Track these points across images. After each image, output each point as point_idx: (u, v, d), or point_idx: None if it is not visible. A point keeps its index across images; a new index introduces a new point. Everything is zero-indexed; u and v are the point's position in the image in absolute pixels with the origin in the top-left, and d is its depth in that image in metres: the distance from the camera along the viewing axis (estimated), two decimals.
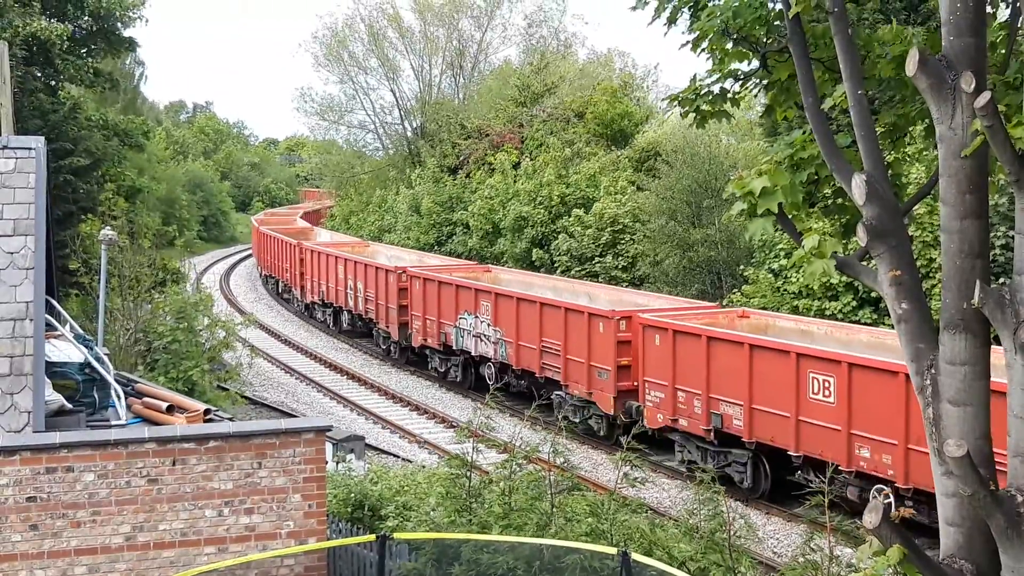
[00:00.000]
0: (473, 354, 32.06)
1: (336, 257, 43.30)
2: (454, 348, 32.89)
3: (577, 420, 26.32)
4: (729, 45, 7.81)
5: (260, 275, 62.84)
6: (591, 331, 26.32)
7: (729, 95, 8.15)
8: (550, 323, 28.19)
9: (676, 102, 8.33)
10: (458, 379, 33.44)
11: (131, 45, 41.36)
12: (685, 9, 7.86)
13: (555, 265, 44.80)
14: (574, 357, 26.95)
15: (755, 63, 7.97)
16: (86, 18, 37.75)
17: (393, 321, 37.17)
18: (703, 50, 7.86)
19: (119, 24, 38.30)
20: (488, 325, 30.90)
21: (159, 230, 42.00)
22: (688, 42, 7.89)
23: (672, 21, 7.97)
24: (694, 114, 8.27)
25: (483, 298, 31.28)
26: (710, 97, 8.17)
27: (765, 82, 8.03)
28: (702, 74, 8.20)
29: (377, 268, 38.88)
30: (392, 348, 38.08)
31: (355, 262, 41.16)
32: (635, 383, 24.94)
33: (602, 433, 26.43)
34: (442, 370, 34.21)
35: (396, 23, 70.61)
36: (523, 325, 29.46)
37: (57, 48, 33.80)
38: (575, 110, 55.47)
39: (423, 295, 34.46)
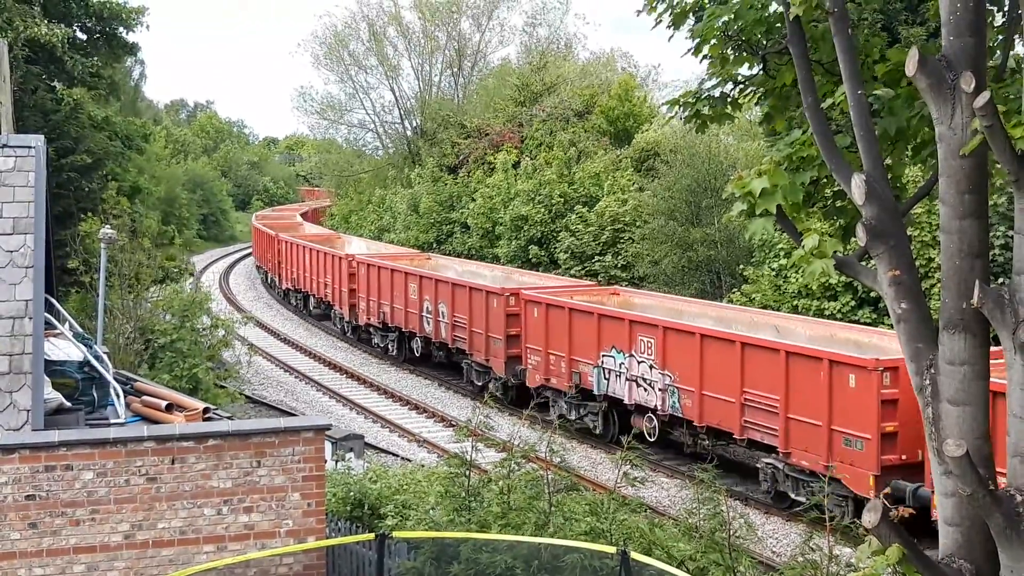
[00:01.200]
0: (626, 401, 25.40)
1: (406, 273, 36.25)
2: (594, 392, 26.45)
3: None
4: (730, 50, 7.80)
5: (277, 287, 55.68)
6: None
7: (730, 99, 8.15)
8: (757, 369, 21.46)
9: (677, 106, 8.33)
10: (597, 430, 26.73)
11: (132, 49, 41.36)
12: (691, 14, 7.85)
13: (555, 264, 44.82)
14: (801, 417, 20.55)
15: (756, 67, 7.97)
16: (89, 20, 37.73)
17: (498, 354, 30.20)
18: (705, 56, 7.86)
19: (121, 28, 38.28)
20: (652, 367, 24.34)
21: (159, 230, 41.90)
22: (690, 50, 7.90)
23: (676, 26, 7.96)
24: (695, 119, 8.28)
25: (642, 332, 24.75)
26: (711, 101, 8.17)
27: (763, 89, 8.03)
28: (702, 76, 8.21)
29: (472, 288, 31.84)
30: (493, 384, 30.52)
31: (436, 280, 34.31)
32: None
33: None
34: (574, 417, 27.04)
35: (397, 21, 70.63)
36: (711, 370, 22.65)
37: (60, 50, 33.80)
38: (577, 109, 55.47)
39: (545, 325, 28.11)
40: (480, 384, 31.83)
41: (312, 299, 47.39)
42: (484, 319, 31.22)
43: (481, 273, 37.78)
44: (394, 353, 37.90)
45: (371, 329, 39.59)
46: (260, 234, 60.29)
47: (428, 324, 34.77)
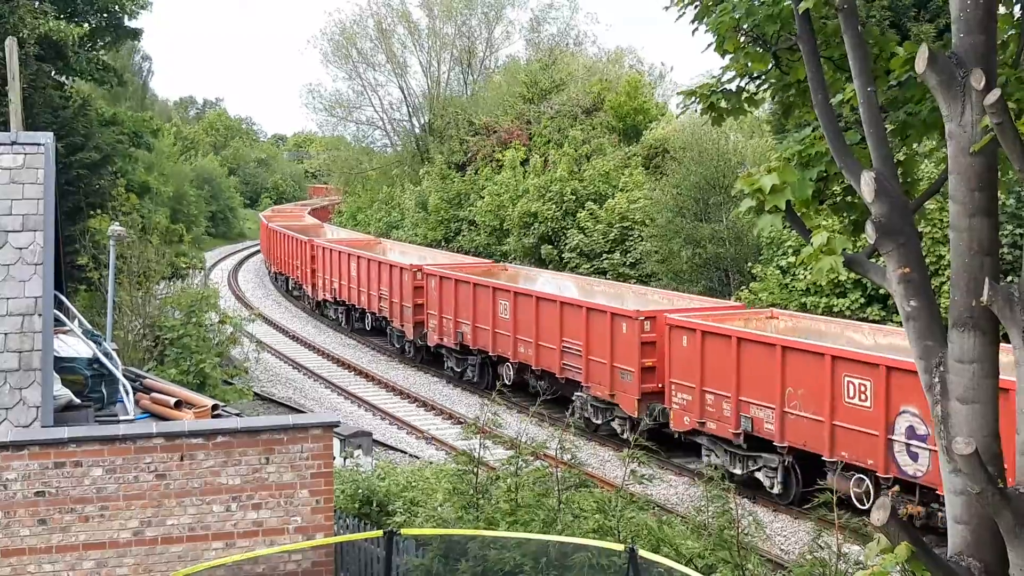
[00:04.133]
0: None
1: (494, 289, 31.07)
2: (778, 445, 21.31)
3: None
4: (750, 47, 7.78)
5: (308, 298, 49.66)
6: None
7: (745, 95, 8.13)
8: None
9: (693, 98, 8.31)
10: (775, 488, 21.62)
11: (136, 35, 41.47)
12: (715, 9, 7.82)
13: (564, 262, 44.82)
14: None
15: (769, 64, 7.95)
16: (97, 15, 37.85)
17: (629, 390, 25.38)
18: (725, 51, 7.85)
19: (125, 15, 38.40)
20: None
21: (168, 227, 41.98)
22: (711, 44, 7.88)
23: (700, 19, 7.94)
24: (710, 111, 8.25)
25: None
26: (726, 95, 8.15)
27: (782, 83, 8.01)
28: (716, 72, 8.19)
29: (592, 309, 26.96)
30: (619, 424, 26.26)
31: (538, 297, 29.36)
32: None
33: None
34: (739, 471, 22.21)
35: (405, 19, 70.67)
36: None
37: (71, 48, 33.90)
38: (585, 106, 55.44)
39: (700, 356, 23.15)
40: (598, 422, 26.81)
41: (368, 315, 40.99)
42: (608, 347, 25.83)
43: (591, 289, 32.43)
44: (475, 379, 32.81)
45: (444, 351, 34.51)
46: (283, 238, 55.10)
47: (525, 348, 29.73)
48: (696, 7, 7.91)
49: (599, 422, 26.78)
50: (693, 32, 8.07)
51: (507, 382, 26.19)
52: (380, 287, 38.78)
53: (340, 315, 44.96)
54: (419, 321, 35.94)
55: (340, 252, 43.85)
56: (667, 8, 8.11)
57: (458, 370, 33.98)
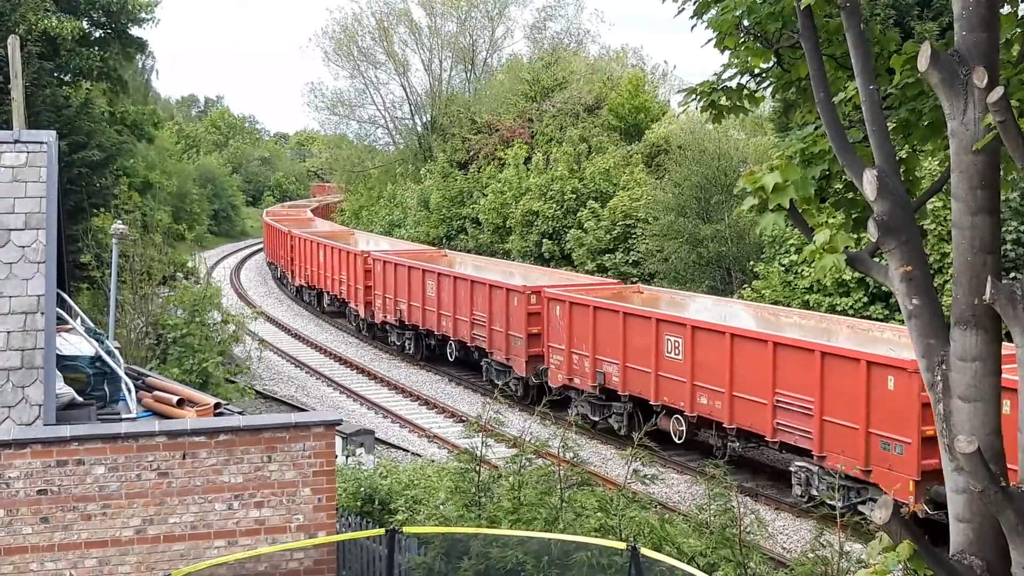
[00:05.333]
0: None
1: (658, 322, 24.36)
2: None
3: None
4: (751, 43, 7.76)
5: (357, 318, 42.58)
6: None
7: (746, 92, 8.12)
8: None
9: (694, 95, 8.30)
10: None
11: (141, 47, 41.46)
12: (714, 4, 7.81)
13: (569, 260, 44.81)
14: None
15: (771, 61, 7.94)
16: (99, 14, 37.84)
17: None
18: (726, 47, 7.83)
19: (130, 23, 38.39)
20: None
21: (170, 226, 42.06)
22: (711, 40, 7.87)
23: (699, 14, 7.94)
24: (710, 109, 8.25)
25: None
26: (727, 92, 8.14)
27: (783, 81, 8.00)
28: (719, 70, 8.17)
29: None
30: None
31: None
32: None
33: None
34: None
35: (406, 17, 70.69)
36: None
37: (69, 44, 33.90)
38: (587, 104, 55.43)
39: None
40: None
41: (451, 344, 34.17)
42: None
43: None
44: (623, 432, 25.62)
45: (572, 393, 26.77)
46: (321, 250, 46.85)
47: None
48: (695, 2, 7.90)
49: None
50: (692, 28, 8.07)
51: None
52: (474, 311, 31.88)
53: (407, 342, 37.23)
54: (535, 354, 29.24)
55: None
56: (664, 0, 8.09)
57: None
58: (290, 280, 53.37)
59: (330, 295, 45.68)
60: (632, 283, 33.72)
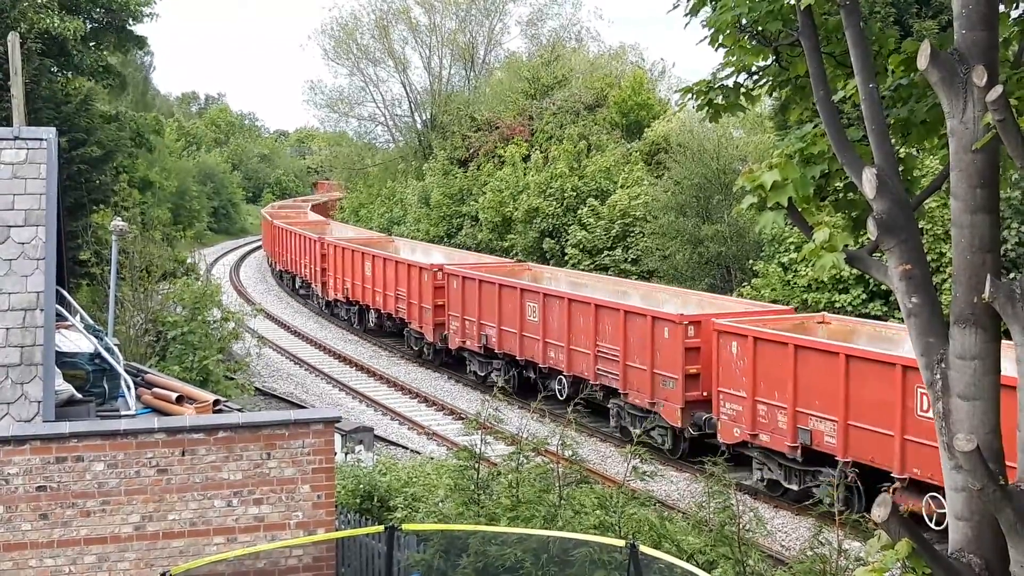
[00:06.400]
0: None
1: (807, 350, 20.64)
2: None
3: None
4: (745, 40, 7.75)
5: (416, 338, 36.71)
6: None
7: (743, 90, 8.12)
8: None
9: (690, 94, 8.30)
10: None
11: (141, 43, 41.47)
12: (709, 1, 7.80)
13: (566, 258, 44.81)
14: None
15: (770, 59, 7.93)
16: (99, 10, 37.85)
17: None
18: (721, 45, 7.83)
19: (130, 20, 38.39)
20: None
21: (168, 226, 42.15)
22: (706, 37, 7.86)
23: (694, 12, 7.93)
24: (707, 107, 8.24)
25: None
26: (724, 91, 8.13)
27: (781, 79, 7.99)
28: (716, 69, 8.17)
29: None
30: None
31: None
32: None
33: None
34: None
35: (405, 15, 70.66)
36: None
37: (71, 42, 33.90)
38: (587, 102, 55.40)
39: None
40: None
41: (561, 379, 27.94)
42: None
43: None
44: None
45: (755, 453, 22.04)
46: (349, 254, 42.61)
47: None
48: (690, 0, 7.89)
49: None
50: (686, 25, 8.06)
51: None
52: (601, 341, 26.50)
53: (493, 372, 31.34)
54: (696, 400, 23.90)
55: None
56: None
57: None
58: (318, 293, 47.82)
59: (380, 313, 39.41)
60: (812, 312, 27.48)
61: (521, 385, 29.61)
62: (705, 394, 23.16)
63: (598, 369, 26.28)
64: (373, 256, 39.73)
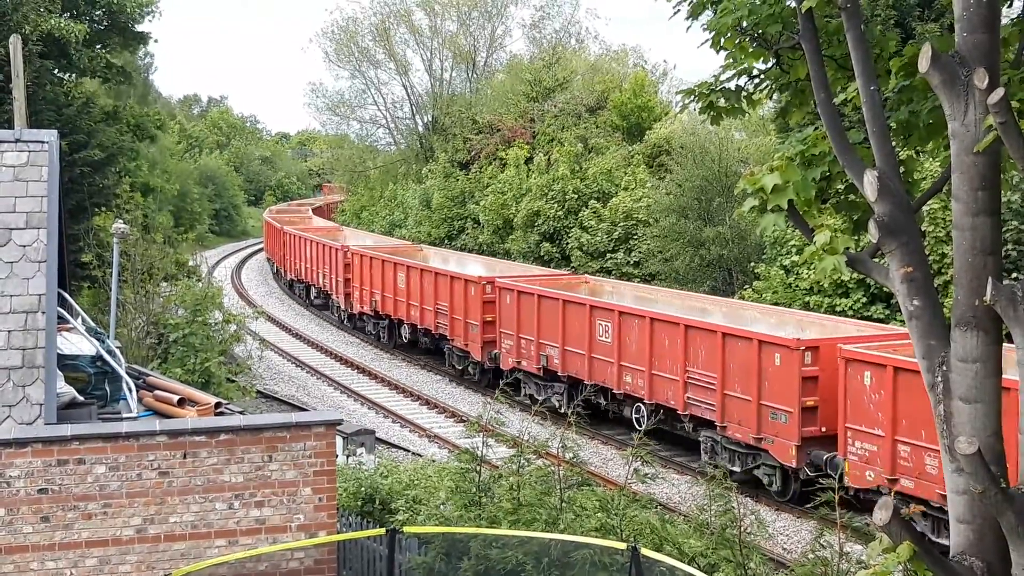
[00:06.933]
0: None
1: None
2: None
3: None
4: (747, 43, 7.75)
5: (463, 359, 33.58)
6: None
7: (744, 93, 8.11)
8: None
9: (692, 96, 8.29)
10: None
11: (144, 39, 41.51)
12: (709, 5, 7.80)
13: (568, 261, 44.81)
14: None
15: (771, 61, 7.93)
16: (99, 13, 37.91)
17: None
18: (722, 48, 7.82)
19: (131, 20, 38.44)
20: None
21: (170, 230, 42.16)
22: (707, 40, 7.86)
23: (695, 15, 7.93)
24: (709, 111, 8.24)
25: None
26: (725, 93, 8.13)
27: (782, 82, 7.99)
28: (717, 71, 8.16)
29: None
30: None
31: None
32: None
33: None
34: None
35: (406, 19, 70.71)
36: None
37: (73, 45, 33.93)
38: (589, 104, 55.41)
39: None
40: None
41: (641, 409, 25.15)
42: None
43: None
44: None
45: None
46: (367, 261, 40.50)
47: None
48: (689, 4, 7.88)
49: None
50: (687, 29, 8.06)
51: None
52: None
53: (547, 392, 28.60)
54: (815, 437, 21.07)
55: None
56: None
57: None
58: (340, 305, 43.81)
59: (416, 327, 36.02)
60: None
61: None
62: (824, 430, 20.61)
63: (688, 398, 23.56)
64: (408, 267, 36.14)
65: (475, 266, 37.68)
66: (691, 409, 23.41)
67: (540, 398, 28.09)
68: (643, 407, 24.87)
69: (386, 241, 50.12)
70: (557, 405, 26.78)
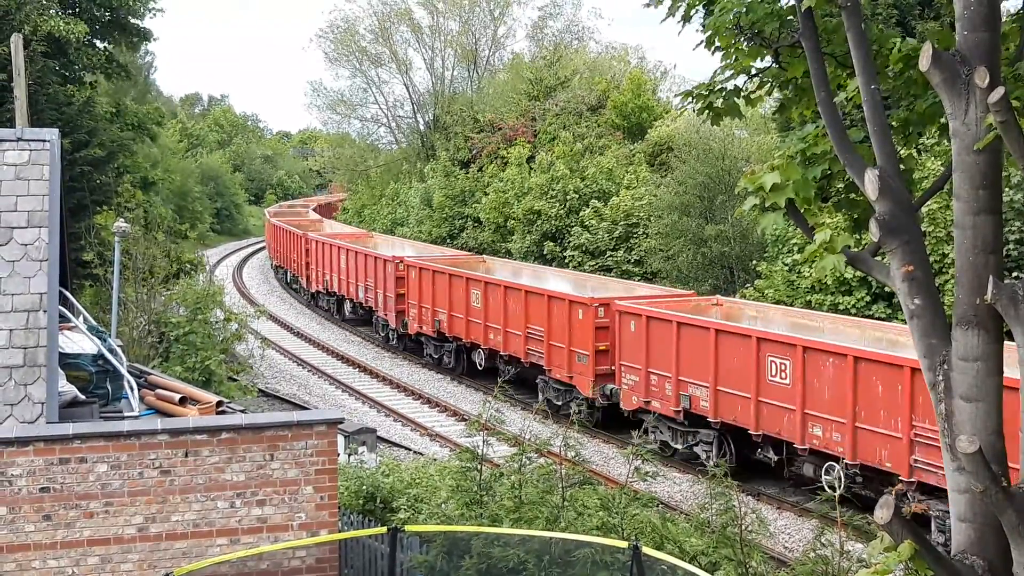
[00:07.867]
0: None
1: None
2: None
3: None
4: (743, 42, 7.74)
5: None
6: None
7: (743, 93, 8.10)
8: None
9: (690, 98, 8.29)
10: None
11: (146, 35, 41.54)
12: (700, 7, 7.79)
13: (567, 260, 44.80)
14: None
15: (768, 60, 7.92)
16: (101, 11, 37.92)
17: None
18: (717, 48, 7.81)
19: (132, 17, 38.48)
20: None
21: (171, 225, 42.19)
22: (702, 41, 7.84)
23: (686, 19, 7.92)
24: (708, 111, 8.23)
25: None
26: (724, 94, 8.12)
27: (780, 80, 7.98)
28: (715, 72, 8.14)
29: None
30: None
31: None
32: None
33: None
34: None
35: (407, 18, 70.69)
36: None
37: (75, 45, 33.95)
38: (590, 103, 55.39)
39: None
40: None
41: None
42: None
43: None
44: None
45: None
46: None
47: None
48: (681, 8, 7.85)
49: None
50: (679, 32, 8.05)
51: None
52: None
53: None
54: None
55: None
56: (647, 5, 7.99)
57: None
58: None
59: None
60: None
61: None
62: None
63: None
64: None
65: (558, 281, 33.46)
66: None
67: (677, 446, 24.68)
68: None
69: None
70: (704, 457, 23.19)
